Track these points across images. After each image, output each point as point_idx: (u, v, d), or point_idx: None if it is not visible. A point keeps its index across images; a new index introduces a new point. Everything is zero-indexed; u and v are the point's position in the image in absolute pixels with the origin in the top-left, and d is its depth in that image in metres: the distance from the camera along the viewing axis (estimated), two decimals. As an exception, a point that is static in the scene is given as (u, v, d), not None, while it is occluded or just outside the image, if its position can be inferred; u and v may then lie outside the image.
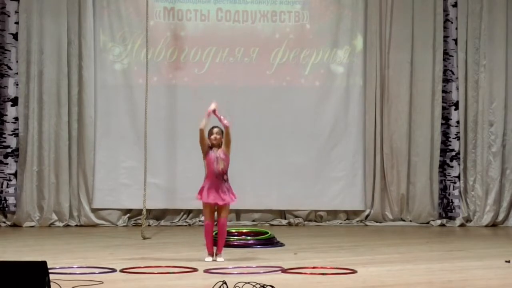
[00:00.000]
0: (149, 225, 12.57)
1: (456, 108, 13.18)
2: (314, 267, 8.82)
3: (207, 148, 9.29)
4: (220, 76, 13.02)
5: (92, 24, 12.86)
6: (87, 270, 8.53)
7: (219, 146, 9.33)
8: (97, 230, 12.44)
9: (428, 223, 13.19)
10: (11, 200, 12.69)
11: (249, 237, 10.96)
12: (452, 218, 13.17)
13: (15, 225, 12.70)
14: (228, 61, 13.12)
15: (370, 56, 13.16)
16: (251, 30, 13.16)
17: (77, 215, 12.86)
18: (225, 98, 12.09)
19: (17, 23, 12.70)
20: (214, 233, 9.53)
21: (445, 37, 13.16)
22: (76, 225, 12.82)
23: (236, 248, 10.34)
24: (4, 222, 12.75)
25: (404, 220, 13.25)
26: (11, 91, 12.74)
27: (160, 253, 10.03)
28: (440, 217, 13.19)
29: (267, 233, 11.02)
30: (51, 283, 6.87)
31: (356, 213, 13.29)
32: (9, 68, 12.73)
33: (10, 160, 12.72)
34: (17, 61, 12.71)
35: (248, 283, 7.28)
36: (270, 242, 10.81)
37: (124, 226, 12.92)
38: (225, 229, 9.42)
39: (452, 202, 13.16)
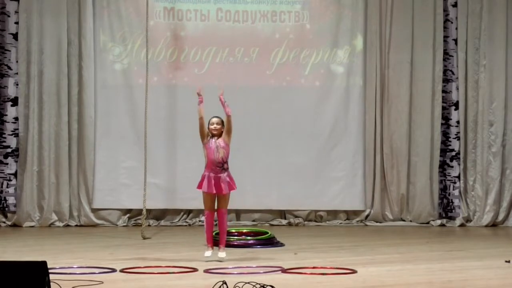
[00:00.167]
0: (149, 225, 12.56)
1: (456, 108, 13.18)
2: (314, 267, 8.82)
3: (206, 137, 9.29)
4: (220, 76, 12.99)
5: (92, 24, 12.85)
6: (87, 270, 8.53)
7: (219, 135, 9.33)
8: (97, 230, 12.44)
9: (428, 223, 13.18)
10: (11, 200, 12.68)
11: (249, 237, 10.96)
12: (452, 218, 13.17)
13: (15, 225, 12.70)
14: (228, 61, 13.12)
15: (370, 56, 13.16)
16: (251, 30, 13.16)
17: (77, 215, 12.86)
18: (225, 98, 12.05)
19: (17, 23, 12.69)
20: (215, 233, 9.53)
21: (445, 37, 13.16)
22: (76, 225, 12.82)
23: (236, 248, 10.33)
24: (4, 222, 12.75)
25: (404, 220, 13.25)
26: (11, 91, 12.74)
27: (160, 253, 10.02)
28: (440, 217, 13.19)
29: (267, 233, 11.02)
30: (51, 283, 6.88)
31: (356, 213, 13.29)
32: (9, 68, 12.73)
33: (10, 160, 12.72)
34: (17, 61, 12.71)
35: (248, 283, 7.29)
36: (270, 242, 10.81)
37: (124, 226, 12.91)
38: (225, 220, 9.37)
39: (452, 202, 13.15)
